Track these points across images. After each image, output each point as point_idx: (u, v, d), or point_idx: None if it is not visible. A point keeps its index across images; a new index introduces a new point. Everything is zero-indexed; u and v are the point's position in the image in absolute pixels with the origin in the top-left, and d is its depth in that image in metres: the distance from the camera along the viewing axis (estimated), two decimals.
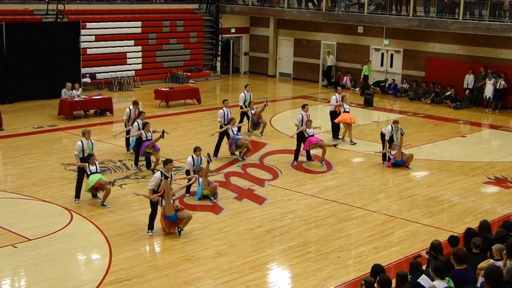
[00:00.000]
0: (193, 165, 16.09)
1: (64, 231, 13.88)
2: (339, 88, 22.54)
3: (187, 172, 16.28)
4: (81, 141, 15.55)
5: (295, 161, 19.21)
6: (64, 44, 28.12)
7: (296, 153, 19.26)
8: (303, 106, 19.43)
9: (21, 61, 26.92)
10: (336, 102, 21.56)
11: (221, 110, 19.44)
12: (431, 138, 22.90)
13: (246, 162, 19.21)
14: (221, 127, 19.36)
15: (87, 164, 15.21)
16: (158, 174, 13.64)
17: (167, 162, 13.75)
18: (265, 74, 36.32)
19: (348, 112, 21.57)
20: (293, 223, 14.72)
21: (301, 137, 19.04)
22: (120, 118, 21.32)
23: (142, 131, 17.63)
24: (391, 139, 19.07)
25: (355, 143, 21.56)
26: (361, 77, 31.06)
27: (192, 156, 16.18)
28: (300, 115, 19.09)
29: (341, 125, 21.89)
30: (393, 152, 19.04)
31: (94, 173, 15.24)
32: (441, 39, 29.86)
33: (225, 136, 19.34)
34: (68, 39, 28.26)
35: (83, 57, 29.10)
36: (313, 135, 18.94)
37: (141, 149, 17.65)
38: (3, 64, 26.21)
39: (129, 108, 19.61)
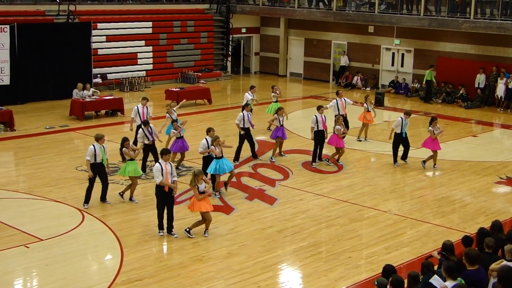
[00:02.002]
0: (208, 146, 16.02)
1: (75, 231, 13.94)
2: (340, 92, 22.15)
3: (204, 158, 16.24)
4: (93, 145, 15.17)
5: (313, 163, 19.11)
6: (75, 45, 28.24)
7: (314, 154, 19.18)
8: (318, 108, 19.18)
9: (33, 61, 27.06)
10: (338, 108, 21.08)
11: (241, 113, 19.07)
12: (442, 138, 22.57)
13: (258, 162, 19.23)
14: (240, 130, 19.02)
15: (125, 149, 15.53)
16: (157, 165, 13.70)
17: (165, 152, 13.97)
18: (275, 74, 36.31)
19: (369, 112, 21.84)
20: (304, 223, 14.71)
21: (318, 138, 18.96)
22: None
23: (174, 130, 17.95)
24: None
25: (360, 141, 21.86)
26: (424, 82, 29.83)
27: (206, 139, 16.13)
28: (314, 116, 18.85)
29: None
30: (436, 132, 18.84)
31: (131, 160, 15.59)
32: (452, 38, 29.75)
33: (246, 140, 19.18)
34: (79, 39, 28.38)
35: (94, 57, 29.20)
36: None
37: (174, 146, 17.95)
38: (15, 64, 26.31)
39: (136, 106, 19.55)
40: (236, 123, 18.98)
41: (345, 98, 21.70)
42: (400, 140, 19.10)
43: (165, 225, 13.80)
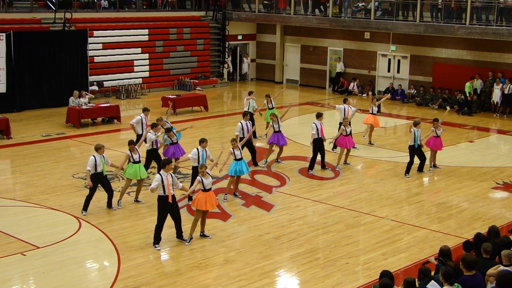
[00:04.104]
0: (198, 156, 15.62)
1: (72, 239, 13.92)
2: (347, 99, 22.13)
3: (194, 168, 16.01)
4: (94, 156, 15.12)
5: (310, 170, 19.08)
6: (71, 53, 28.27)
7: (312, 161, 19.17)
8: (318, 115, 19.03)
9: (29, 69, 27.07)
10: (345, 113, 20.85)
11: (239, 124, 18.86)
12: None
13: (256, 168, 19.22)
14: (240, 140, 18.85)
15: (129, 152, 15.81)
16: (158, 176, 13.38)
17: (166, 162, 13.71)
18: (272, 81, 36.34)
19: (375, 114, 22.01)
20: (301, 230, 14.71)
21: (317, 146, 18.93)
22: (128, 126, 21.31)
23: (168, 137, 17.87)
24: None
25: (373, 144, 22.14)
26: (469, 95, 28.44)
27: (197, 148, 15.82)
28: (314, 124, 18.73)
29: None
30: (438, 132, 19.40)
31: (136, 162, 15.88)
32: (448, 44, 29.84)
33: (247, 148, 18.99)
34: (75, 47, 28.40)
35: (90, 65, 29.21)
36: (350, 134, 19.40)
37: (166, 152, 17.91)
38: (12, 72, 26.31)
39: (140, 116, 19.39)
40: (236, 135, 18.57)
41: (351, 106, 21.55)
42: (415, 151, 18.77)
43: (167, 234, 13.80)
